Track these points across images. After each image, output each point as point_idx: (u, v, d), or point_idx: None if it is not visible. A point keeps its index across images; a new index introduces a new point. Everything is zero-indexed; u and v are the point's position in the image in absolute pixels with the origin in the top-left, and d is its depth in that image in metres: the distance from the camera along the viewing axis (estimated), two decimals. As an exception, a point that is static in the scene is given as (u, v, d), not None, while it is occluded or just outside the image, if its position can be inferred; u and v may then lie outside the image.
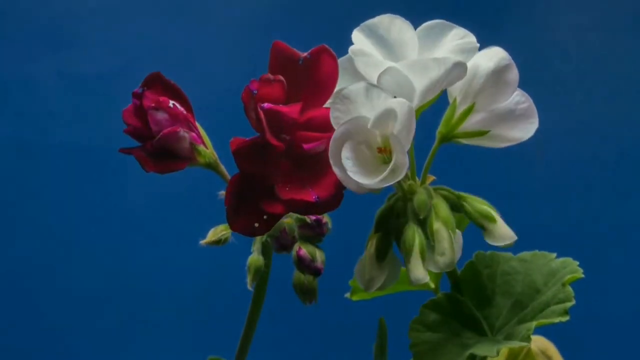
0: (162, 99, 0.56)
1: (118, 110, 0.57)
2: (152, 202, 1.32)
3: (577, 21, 1.36)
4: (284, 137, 0.52)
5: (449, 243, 0.53)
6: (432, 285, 0.69)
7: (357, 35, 0.54)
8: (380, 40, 0.54)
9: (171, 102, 0.56)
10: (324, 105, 0.54)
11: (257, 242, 0.60)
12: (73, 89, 1.35)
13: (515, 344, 0.55)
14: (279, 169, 0.53)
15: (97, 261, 1.33)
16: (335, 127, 0.51)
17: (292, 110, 0.53)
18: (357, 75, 0.54)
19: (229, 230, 0.58)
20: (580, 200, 1.32)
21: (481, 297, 0.60)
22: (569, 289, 0.57)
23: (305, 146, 0.52)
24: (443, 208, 0.55)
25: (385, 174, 0.50)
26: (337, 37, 0.57)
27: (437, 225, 0.54)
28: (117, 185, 1.32)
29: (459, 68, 0.52)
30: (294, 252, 0.60)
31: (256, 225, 0.52)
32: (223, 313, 1.22)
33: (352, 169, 0.50)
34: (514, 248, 0.56)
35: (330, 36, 0.57)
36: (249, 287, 0.60)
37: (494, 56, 0.55)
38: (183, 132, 0.55)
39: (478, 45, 0.54)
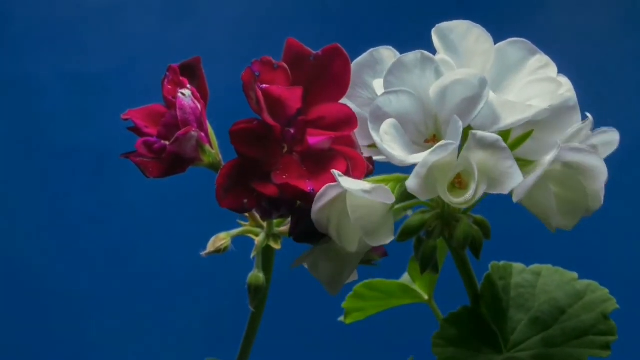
0: (183, 79, 0.56)
1: (118, 110, 0.56)
2: (153, 201, 1.32)
3: (578, 22, 1.35)
4: (288, 131, 0.52)
5: None
6: (425, 297, 0.68)
7: (433, 36, 0.52)
8: (451, 45, 0.51)
9: (189, 86, 0.55)
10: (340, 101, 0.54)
11: (257, 253, 0.58)
12: (73, 89, 1.35)
13: None
14: (277, 155, 0.52)
15: (98, 261, 1.32)
16: (385, 89, 0.50)
17: (292, 94, 0.52)
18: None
19: (229, 239, 0.57)
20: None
21: (497, 310, 0.58)
22: (613, 323, 0.56)
23: (310, 140, 0.51)
24: None
25: (431, 149, 0.47)
26: (342, 39, 0.56)
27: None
28: (117, 185, 1.32)
29: (543, 113, 0.50)
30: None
31: (245, 201, 0.51)
32: (224, 314, 1.22)
33: (388, 143, 0.48)
34: (523, 256, 0.55)
35: (335, 38, 0.57)
36: (251, 308, 0.59)
37: (563, 92, 0.52)
38: (194, 131, 0.54)
39: (562, 92, 0.51)
